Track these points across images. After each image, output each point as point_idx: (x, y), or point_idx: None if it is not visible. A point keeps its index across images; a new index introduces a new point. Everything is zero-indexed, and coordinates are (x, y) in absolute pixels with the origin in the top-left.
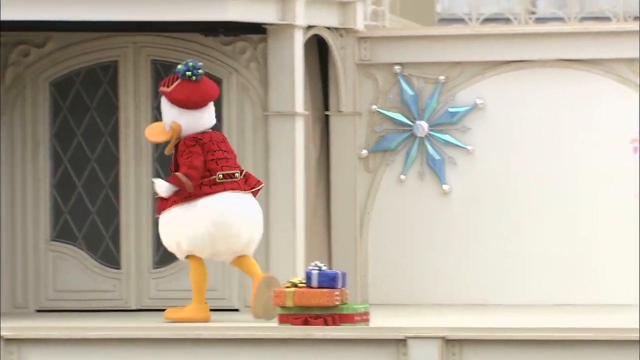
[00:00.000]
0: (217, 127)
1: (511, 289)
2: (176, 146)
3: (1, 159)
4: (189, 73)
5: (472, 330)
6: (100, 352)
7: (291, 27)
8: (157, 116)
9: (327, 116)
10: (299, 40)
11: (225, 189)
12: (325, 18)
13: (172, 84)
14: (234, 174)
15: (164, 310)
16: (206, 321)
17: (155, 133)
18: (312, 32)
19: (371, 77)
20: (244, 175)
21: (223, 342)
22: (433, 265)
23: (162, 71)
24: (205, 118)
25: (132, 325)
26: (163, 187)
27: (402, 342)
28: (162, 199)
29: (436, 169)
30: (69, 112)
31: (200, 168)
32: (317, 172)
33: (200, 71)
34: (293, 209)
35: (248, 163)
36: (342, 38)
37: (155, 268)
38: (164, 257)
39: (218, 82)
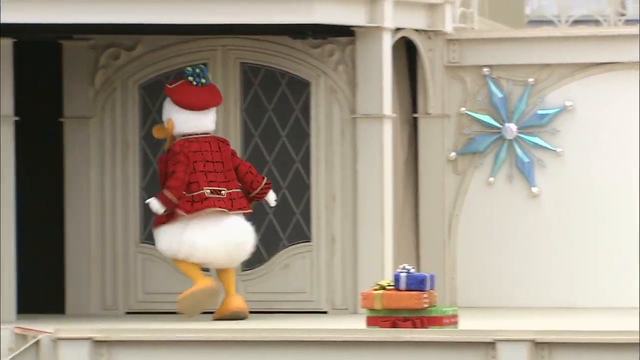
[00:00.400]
0: (305, 130)
1: (601, 291)
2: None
3: (91, 162)
4: (190, 78)
5: (561, 333)
6: (189, 354)
7: (379, 29)
8: (245, 118)
9: (415, 118)
10: (387, 42)
11: (215, 205)
12: (414, 20)
13: (173, 83)
14: (220, 191)
15: (252, 312)
16: (212, 285)
17: (157, 129)
18: (400, 34)
19: (460, 79)
20: (231, 196)
21: (311, 344)
22: (522, 267)
23: (250, 74)
24: (198, 121)
25: (220, 327)
26: (156, 206)
27: (491, 345)
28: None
29: (525, 172)
30: (158, 114)
31: (181, 178)
32: (405, 174)
33: (203, 80)
34: (381, 212)
35: (336, 166)
36: (430, 40)
37: (244, 270)
38: (252, 259)
39: (306, 84)
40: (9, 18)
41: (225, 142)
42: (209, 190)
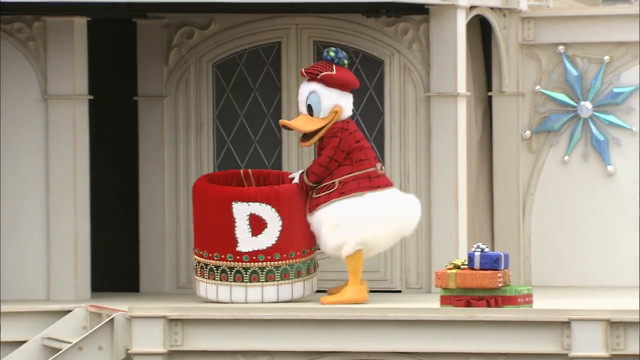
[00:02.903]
0: (379, 108)
1: None
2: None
3: (165, 141)
4: (346, 61)
5: (636, 313)
6: (263, 333)
7: (454, 7)
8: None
9: (489, 97)
10: (461, 20)
11: (387, 184)
12: None
13: (330, 69)
14: (382, 166)
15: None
16: (365, 302)
17: (309, 123)
18: (474, 12)
19: (534, 58)
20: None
21: (385, 323)
22: (597, 246)
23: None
24: (351, 103)
25: (294, 306)
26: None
27: (565, 325)
28: (312, 199)
29: (600, 150)
30: (232, 93)
31: (332, 169)
32: (480, 152)
33: (346, 61)
34: (455, 190)
35: (410, 144)
36: (505, 18)
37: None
38: None
39: (380, 63)
40: None
41: None
42: (379, 166)
